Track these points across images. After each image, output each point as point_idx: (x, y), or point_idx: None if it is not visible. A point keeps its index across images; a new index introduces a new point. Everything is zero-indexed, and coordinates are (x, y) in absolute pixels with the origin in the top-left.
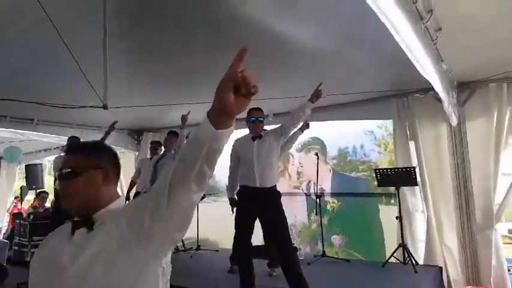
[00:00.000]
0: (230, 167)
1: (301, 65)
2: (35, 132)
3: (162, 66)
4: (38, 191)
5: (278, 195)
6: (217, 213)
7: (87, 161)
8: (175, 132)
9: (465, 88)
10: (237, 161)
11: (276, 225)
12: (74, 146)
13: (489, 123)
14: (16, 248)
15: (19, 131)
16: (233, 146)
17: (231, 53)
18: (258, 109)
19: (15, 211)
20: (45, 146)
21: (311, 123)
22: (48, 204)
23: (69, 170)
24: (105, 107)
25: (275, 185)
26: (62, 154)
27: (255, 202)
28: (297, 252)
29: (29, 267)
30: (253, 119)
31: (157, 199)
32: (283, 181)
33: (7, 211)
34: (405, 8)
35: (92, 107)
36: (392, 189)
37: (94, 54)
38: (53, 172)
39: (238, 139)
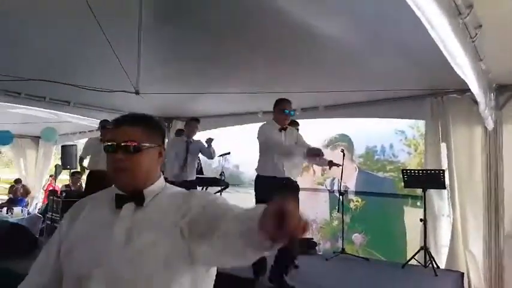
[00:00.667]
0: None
1: (331, 61)
2: (71, 114)
3: (193, 56)
4: (72, 171)
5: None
6: (240, 204)
7: (147, 136)
8: (197, 119)
9: (504, 91)
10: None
11: None
12: (132, 119)
13: None
14: (49, 222)
15: (57, 112)
16: (265, 130)
17: (260, 47)
18: (290, 102)
19: (50, 188)
20: (80, 128)
21: (339, 120)
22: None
23: (130, 143)
24: (137, 92)
25: None
26: (94, 137)
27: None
28: (316, 247)
29: None
30: (286, 111)
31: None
32: (306, 176)
33: (42, 188)
34: (442, 2)
35: (124, 91)
36: (419, 191)
37: (129, 41)
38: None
39: (266, 126)
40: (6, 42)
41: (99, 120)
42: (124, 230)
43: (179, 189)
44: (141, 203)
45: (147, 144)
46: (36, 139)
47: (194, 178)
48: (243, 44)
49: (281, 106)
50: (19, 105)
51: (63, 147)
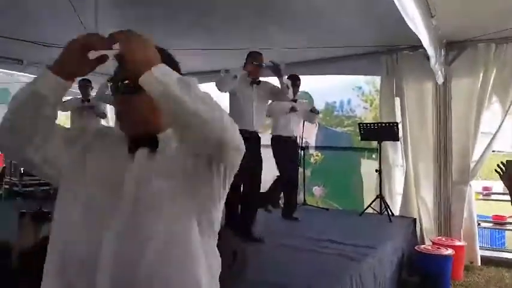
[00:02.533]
0: None
1: (292, 17)
2: (24, 74)
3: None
4: None
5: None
6: None
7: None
8: None
9: (454, 47)
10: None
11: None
12: None
13: (474, 83)
14: (7, 186)
15: (8, 71)
16: None
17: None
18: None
19: None
20: None
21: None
22: None
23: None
24: None
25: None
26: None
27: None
28: (279, 201)
29: None
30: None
31: None
32: (269, 132)
33: None
34: None
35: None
36: (374, 144)
37: None
38: None
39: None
40: None
41: None
42: (135, 174)
43: None
44: (155, 148)
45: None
46: None
47: None
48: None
49: (252, 59)
50: None
51: None
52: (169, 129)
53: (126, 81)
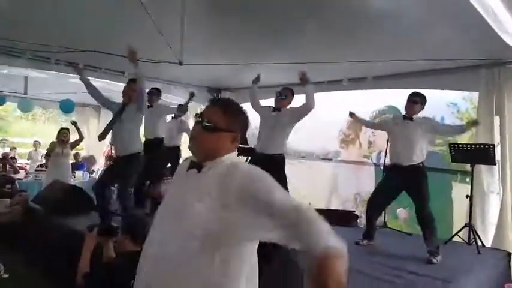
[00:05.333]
0: None
1: (382, 32)
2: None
3: (239, 27)
4: None
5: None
6: None
7: (226, 122)
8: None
9: None
10: None
11: None
12: (220, 102)
13: None
14: None
15: (111, 82)
16: None
17: (311, 17)
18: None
19: (109, 154)
20: None
21: (388, 91)
22: None
23: (210, 123)
24: (180, 63)
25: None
26: None
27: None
28: (357, 220)
29: None
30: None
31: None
32: (352, 149)
33: (103, 154)
34: None
35: (168, 62)
36: (468, 166)
37: (172, 11)
38: None
39: None
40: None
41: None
42: (180, 189)
43: (236, 161)
44: (200, 170)
45: (221, 129)
46: (98, 108)
47: None
48: (293, 14)
49: None
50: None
51: None
52: (218, 158)
53: (209, 123)
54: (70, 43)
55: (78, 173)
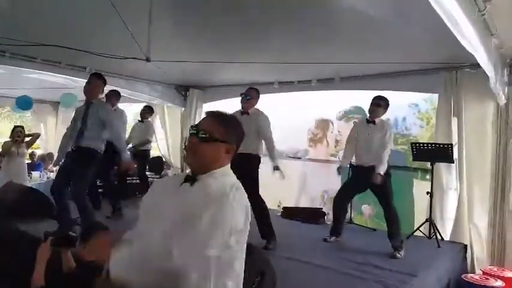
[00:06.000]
0: None
1: (350, 32)
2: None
3: (209, 24)
4: None
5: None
6: None
7: (221, 133)
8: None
9: None
10: None
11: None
12: (215, 114)
13: None
14: None
15: (73, 77)
16: None
17: (278, 17)
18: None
19: None
20: None
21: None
22: None
23: (206, 134)
24: (148, 60)
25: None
26: None
27: None
28: (325, 217)
29: None
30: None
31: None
32: (320, 148)
33: None
34: None
35: (134, 58)
36: (429, 164)
37: (140, 8)
38: None
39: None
40: (24, 7)
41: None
42: (173, 200)
43: (225, 182)
44: (193, 183)
45: (216, 139)
46: (56, 104)
47: None
48: (262, 13)
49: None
50: (36, 71)
51: None
52: (212, 171)
53: (205, 134)
54: (28, 36)
55: (35, 174)
